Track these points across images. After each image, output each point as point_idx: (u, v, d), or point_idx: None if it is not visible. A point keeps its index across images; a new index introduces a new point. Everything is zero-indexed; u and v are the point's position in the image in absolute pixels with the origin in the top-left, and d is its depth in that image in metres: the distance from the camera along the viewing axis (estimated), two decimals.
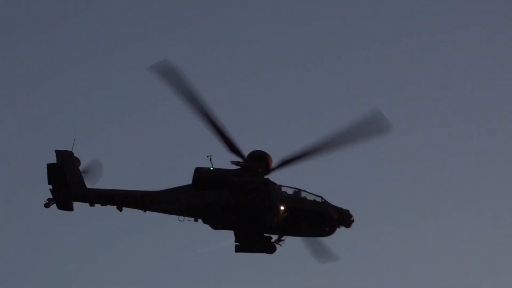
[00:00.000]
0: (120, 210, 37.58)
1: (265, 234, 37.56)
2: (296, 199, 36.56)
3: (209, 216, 36.78)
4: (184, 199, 36.67)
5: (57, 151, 39.40)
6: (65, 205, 38.37)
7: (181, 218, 37.00)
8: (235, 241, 37.69)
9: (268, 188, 36.23)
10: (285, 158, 36.42)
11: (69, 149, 39.29)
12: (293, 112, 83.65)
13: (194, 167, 36.64)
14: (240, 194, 36.17)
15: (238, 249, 37.57)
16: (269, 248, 37.81)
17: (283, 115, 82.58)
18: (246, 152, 37.21)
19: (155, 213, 38.21)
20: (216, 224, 37.07)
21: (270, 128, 78.30)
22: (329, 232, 37.23)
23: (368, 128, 35.32)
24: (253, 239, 37.41)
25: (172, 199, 36.83)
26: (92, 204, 37.43)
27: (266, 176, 36.63)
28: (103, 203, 37.23)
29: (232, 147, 36.21)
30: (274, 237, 37.83)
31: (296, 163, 36.31)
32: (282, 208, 36.21)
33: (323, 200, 37.24)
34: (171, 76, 34.62)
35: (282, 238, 37.91)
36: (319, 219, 36.71)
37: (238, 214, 36.41)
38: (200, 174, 36.09)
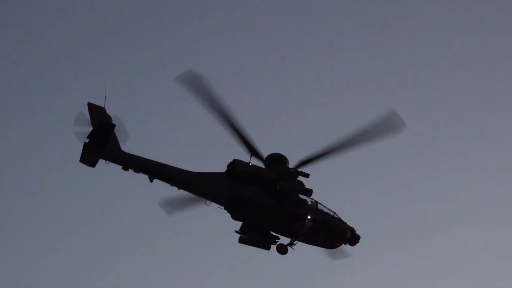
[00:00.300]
0: (151, 181, 36.94)
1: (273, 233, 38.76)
2: (322, 213, 38.08)
3: (236, 208, 37.48)
4: (218, 187, 37.13)
5: (90, 105, 36.65)
6: (92, 162, 36.03)
7: (208, 202, 37.37)
8: (240, 232, 38.38)
9: (305, 198, 37.79)
10: (303, 159, 37.32)
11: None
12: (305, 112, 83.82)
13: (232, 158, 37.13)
14: (279, 197, 37.27)
15: (243, 240, 38.31)
16: (282, 250, 38.63)
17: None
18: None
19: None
20: (240, 217, 37.80)
21: (283, 129, 78.73)
22: (336, 246, 38.79)
23: (383, 128, 36.77)
24: (263, 235, 38.35)
25: (207, 184, 37.09)
26: (125, 169, 36.19)
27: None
28: (137, 170, 36.27)
29: (252, 150, 37.20)
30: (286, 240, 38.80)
31: (314, 163, 37.28)
32: (309, 217, 37.64)
33: (335, 215, 38.48)
34: (197, 85, 35.55)
35: (295, 242, 38.58)
36: (336, 234, 38.38)
37: (269, 214, 37.46)
38: (239, 167, 36.60)
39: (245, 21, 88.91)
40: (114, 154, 35.76)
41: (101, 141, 35.03)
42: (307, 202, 37.77)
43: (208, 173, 37.45)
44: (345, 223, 38.10)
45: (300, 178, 37.07)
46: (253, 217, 37.24)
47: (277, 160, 37.63)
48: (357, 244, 38.40)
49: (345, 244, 38.61)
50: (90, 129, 35.23)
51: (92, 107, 36.14)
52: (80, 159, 35.79)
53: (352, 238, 38.29)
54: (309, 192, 37.25)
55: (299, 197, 37.42)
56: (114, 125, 35.25)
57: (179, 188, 36.63)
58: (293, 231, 37.46)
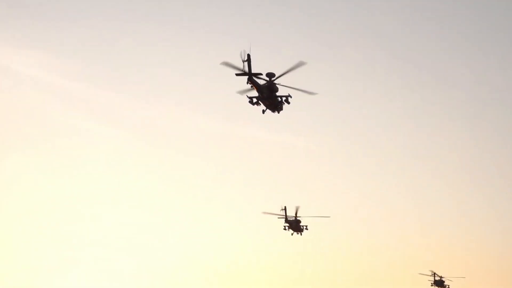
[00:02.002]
0: (251, 87, 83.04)
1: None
2: (280, 101, 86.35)
3: (265, 99, 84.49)
4: (265, 93, 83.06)
5: (248, 55, 78.02)
6: (239, 75, 79.51)
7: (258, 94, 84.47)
8: (249, 97, 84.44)
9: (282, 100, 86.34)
10: (280, 73, 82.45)
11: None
12: None
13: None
14: (276, 98, 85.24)
15: (250, 102, 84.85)
16: (263, 111, 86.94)
17: None
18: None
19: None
20: (262, 102, 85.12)
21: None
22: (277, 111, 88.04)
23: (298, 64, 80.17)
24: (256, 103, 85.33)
25: (264, 90, 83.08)
26: (250, 84, 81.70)
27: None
28: (251, 84, 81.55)
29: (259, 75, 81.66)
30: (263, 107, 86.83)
31: (284, 75, 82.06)
32: (279, 106, 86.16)
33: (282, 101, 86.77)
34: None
35: (266, 109, 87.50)
36: (281, 108, 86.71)
37: (270, 102, 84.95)
38: (273, 86, 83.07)
39: None
40: (252, 79, 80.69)
41: (253, 76, 79.84)
42: (283, 101, 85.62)
43: (262, 85, 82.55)
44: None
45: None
46: (266, 102, 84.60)
47: (271, 74, 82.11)
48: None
49: (278, 112, 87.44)
50: (243, 64, 78.62)
51: (249, 56, 77.99)
52: (237, 73, 78.97)
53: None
54: (288, 98, 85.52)
55: (281, 99, 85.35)
56: (261, 74, 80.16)
57: (258, 92, 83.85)
58: (276, 108, 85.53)
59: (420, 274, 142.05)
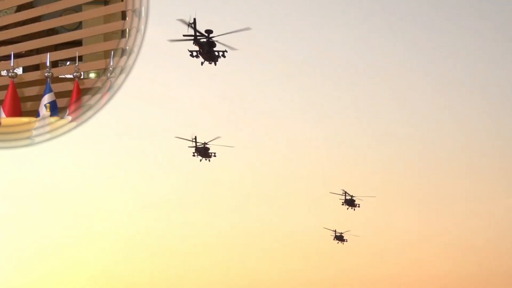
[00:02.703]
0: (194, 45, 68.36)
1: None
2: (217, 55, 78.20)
3: (205, 53, 67.06)
4: (205, 48, 66.44)
5: (194, 19, 67.79)
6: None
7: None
8: (190, 51, 66.46)
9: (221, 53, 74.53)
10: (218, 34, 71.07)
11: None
12: None
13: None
14: (213, 51, 68.03)
15: (190, 55, 69.45)
16: (202, 63, 71.18)
17: None
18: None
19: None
20: (200, 55, 69.52)
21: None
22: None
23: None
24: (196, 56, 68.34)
25: (204, 46, 68.38)
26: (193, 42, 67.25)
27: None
28: (195, 44, 66.67)
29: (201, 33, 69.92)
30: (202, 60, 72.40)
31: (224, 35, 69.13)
32: (218, 58, 73.23)
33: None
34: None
35: (204, 61, 73.87)
36: (217, 60, 75.91)
37: (208, 55, 68.87)
38: (212, 43, 67.33)
39: None
40: (197, 40, 63.06)
41: (197, 37, 62.62)
42: (219, 55, 70.92)
43: (203, 42, 67.19)
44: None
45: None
46: (205, 56, 67.69)
47: (209, 31, 67.31)
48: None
49: (215, 64, 75.86)
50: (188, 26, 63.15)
51: (195, 20, 63.92)
52: (184, 34, 65.58)
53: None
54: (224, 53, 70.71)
55: (218, 54, 68.95)
56: (206, 36, 65.94)
57: (200, 48, 66.72)
58: (213, 60, 68.52)
59: (331, 193, 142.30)
